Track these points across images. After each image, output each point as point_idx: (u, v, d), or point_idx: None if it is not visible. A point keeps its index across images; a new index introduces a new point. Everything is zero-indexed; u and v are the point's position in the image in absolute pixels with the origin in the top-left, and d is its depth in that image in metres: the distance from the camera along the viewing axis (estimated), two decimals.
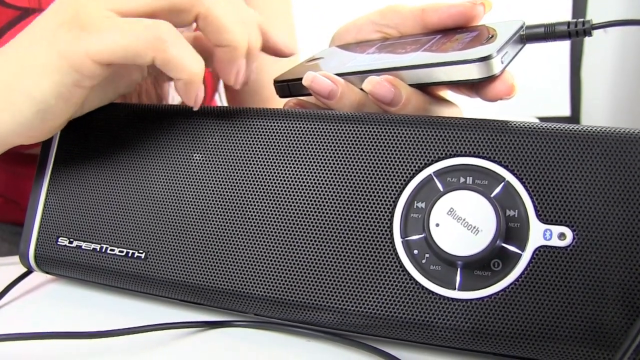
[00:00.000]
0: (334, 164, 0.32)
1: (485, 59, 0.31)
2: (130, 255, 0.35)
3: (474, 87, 0.34)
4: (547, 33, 0.34)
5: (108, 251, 0.36)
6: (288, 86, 0.39)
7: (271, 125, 0.34)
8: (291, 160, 0.33)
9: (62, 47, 0.31)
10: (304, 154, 0.33)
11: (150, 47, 0.30)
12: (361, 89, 0.35)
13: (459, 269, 0.29)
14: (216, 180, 0.34)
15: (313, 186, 0.33)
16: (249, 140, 0.34)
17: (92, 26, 0.31)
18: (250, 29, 0.35)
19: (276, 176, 0.33)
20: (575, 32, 0.33)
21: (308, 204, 0.32)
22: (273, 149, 0.34)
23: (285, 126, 0.34)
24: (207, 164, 0.35)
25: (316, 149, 0.33)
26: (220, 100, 0.73)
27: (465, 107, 0.39)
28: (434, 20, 0.37)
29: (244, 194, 0.34)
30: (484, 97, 0.34)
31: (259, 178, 0.34)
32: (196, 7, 0.32)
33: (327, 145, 0.33)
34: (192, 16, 0.33)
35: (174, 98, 0.55)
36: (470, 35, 0.35)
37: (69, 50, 0.31)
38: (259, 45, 0.36)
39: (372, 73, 0.35)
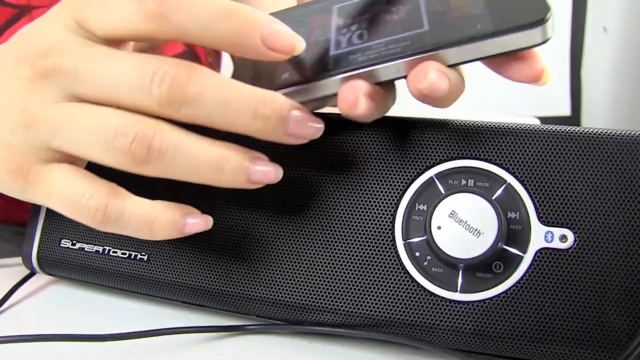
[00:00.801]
0: (335, 166, 0.32)
1: (540, 22, 0.27)
2: (133, 257, 0.35)
3: (498, 62, 0.29)
4: None
5: (111, 253, 0.36)
6: None
7: None
8: (292, 162, 0.33)
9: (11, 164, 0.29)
10: (304, 157, 0.33)
11: (92, 221, 0.28)
12: (378, 83, 0.29)
13: (460, 271, 0.29)
14: None
15: (315, 188, 0.33)
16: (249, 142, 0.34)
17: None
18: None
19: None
20: None
21: (309, 206, 0.32)
22: (274, 151, 0.34)
23: None
24: None
25: (317, 151, 0.33)
26: None
27: (466, 106, 0.39)
28: None
29: (245, 195, 0.34)
30: (513, 76, 0.29)
31: None
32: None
33: (327, 148, 0.33)
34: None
35: None
36: None
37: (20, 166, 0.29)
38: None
39: (397, 59, 0.29)
